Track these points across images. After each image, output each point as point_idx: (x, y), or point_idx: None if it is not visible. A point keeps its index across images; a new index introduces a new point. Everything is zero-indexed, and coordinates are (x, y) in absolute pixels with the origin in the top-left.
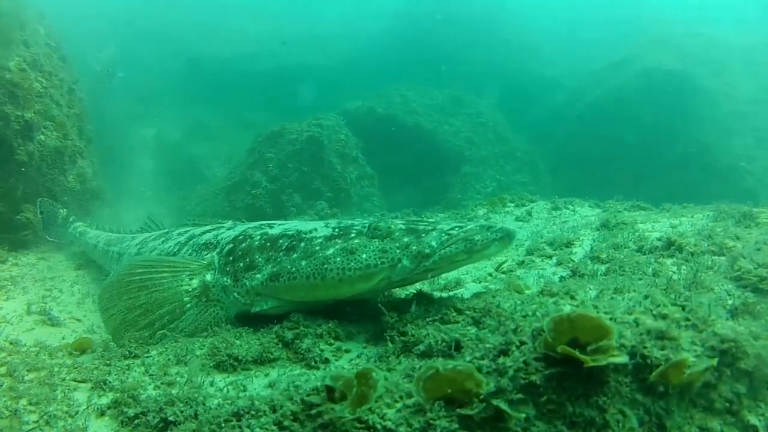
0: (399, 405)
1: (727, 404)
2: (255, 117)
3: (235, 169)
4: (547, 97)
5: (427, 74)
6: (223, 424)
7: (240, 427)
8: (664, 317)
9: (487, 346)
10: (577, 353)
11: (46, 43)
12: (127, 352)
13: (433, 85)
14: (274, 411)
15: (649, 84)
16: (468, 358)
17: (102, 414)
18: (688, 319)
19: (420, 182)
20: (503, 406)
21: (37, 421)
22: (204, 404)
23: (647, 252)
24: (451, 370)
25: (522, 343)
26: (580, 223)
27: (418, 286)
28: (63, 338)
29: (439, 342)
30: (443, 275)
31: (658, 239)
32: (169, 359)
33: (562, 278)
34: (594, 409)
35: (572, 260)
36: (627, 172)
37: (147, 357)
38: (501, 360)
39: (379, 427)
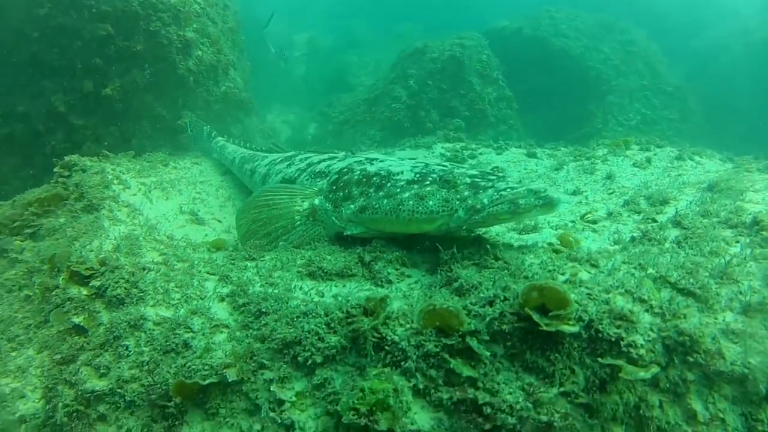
0: (407, 326)
1: (672, 386)
2: (404, 28)
3: (378, 81)
4: (717, 27)
5: None
6: (294, 319)
7: (303, 321)
8: (641, 301)
9: (482, 295)
10: (534, 316)
11: None
12: (247, 255)
13: (583, 7)
14: (326, 315)
15: None
16: (466, 302)
17: (222, 300)
18: (661, 308)
19: (560, 108)
20: (472, 343)
21: (179, 299)
22: (287, 303)
23: (733, 226)
24: (444, 308)
25: (506, 299)
26: (691, 180)
27: (483, 229)
28: (205, 235)
29: (467, 284)
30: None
31: (752, 214)
32: (275, 265)
33: (632, 238)
34: (546, 360)
35: (654, 221)
36: None
37: (261, 260)
38: (486, 308)
39: (388, 338)
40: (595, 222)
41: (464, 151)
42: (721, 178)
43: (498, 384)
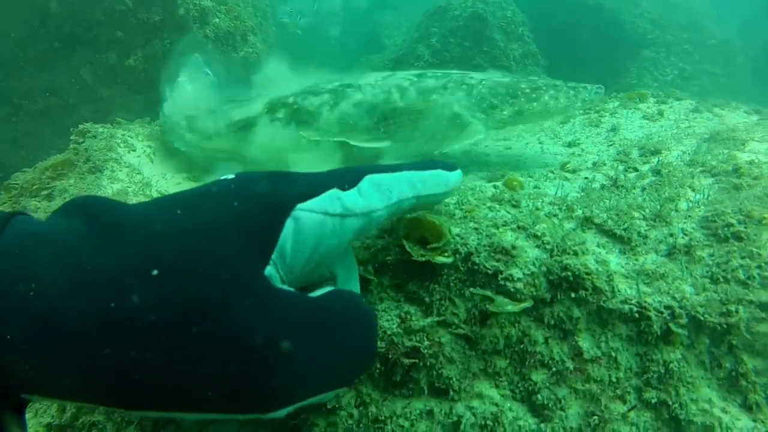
0: None
1: (557, 322)
2: None
3: (403, 42)
4: None
5: None
6: None
7: None
8: (534, 237)
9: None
10: (406, 246)
11: None
12: None
13: None
14: None
15: None
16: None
17: None
18: (555, 245)
19: (594, 64)
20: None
21: None
22: None
23: (715, 175)
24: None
25: (393, 230)
26: (699, 131)
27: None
28: None
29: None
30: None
31: (745, 161)
32: None
33: (602, 186)
34: (426, 291)
35: (636, 170)
36: None
37: None
38: (375, 240)
39: None
40: (574, 171)
41: None
42: (727, 128)
43: (378, 311)
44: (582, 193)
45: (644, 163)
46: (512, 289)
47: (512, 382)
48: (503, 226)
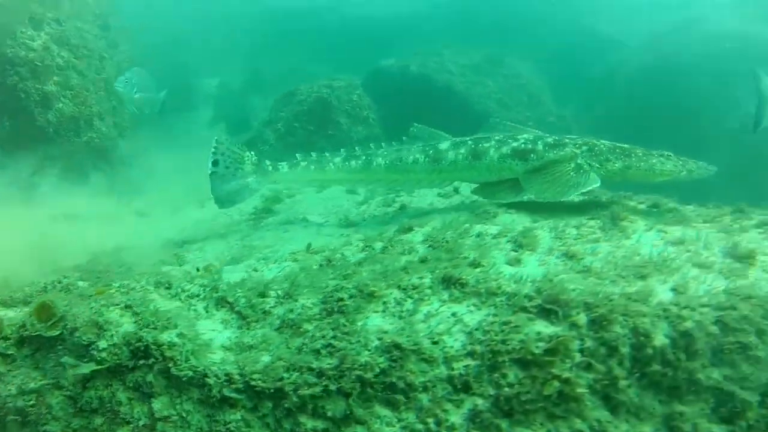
0: None
1: (135, 385)
2: (317, 69)
3: (256, 125)
4: (602, 58)
5: (471, 31)
6: None
7: None
8: (135, 314)
9: None
10: (28, 324)
11: (93, 13)
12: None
13: (474, 44)
14: None
15: (711, 50)
16: None
17: None
18: (147, 321)
19: None
20: None
21: None
22: None
23: (433, 247)
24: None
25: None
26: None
27: None
28: None
29: None
30: None
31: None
32: None
33: (321, 265)
34: (46, 360)
35: (372, 247)
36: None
37: None
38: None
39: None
40: (316, 253)
41: (284, 190)
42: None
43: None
44: (287, 272)
45: (384, 240)
46: (98, 358)
47: None
48: (114, 305)
